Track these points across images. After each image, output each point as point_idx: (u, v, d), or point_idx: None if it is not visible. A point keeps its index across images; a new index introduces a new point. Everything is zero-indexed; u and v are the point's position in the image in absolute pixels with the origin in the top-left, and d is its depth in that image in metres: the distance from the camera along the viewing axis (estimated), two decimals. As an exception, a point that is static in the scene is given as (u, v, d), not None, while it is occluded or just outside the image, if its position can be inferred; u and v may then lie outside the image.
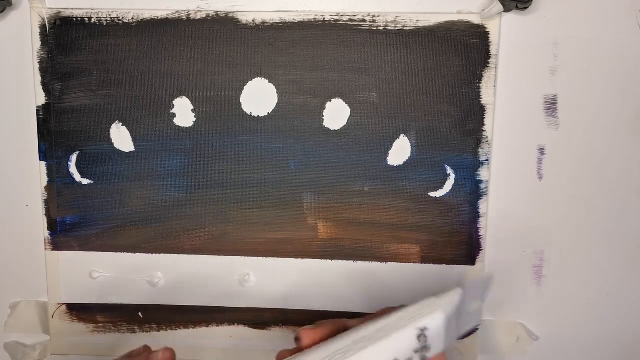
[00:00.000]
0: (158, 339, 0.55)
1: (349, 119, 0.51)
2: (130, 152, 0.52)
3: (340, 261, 0.53)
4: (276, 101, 0.51)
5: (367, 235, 0.53)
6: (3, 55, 0.52)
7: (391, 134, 0.51)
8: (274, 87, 0.51)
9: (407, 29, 0.49)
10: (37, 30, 0.51)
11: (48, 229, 0.54)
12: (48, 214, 0.53)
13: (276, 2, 0.50)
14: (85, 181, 0.53)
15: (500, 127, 0.51)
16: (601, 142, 0.51)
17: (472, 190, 0.51)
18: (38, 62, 0.51)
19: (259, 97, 0.51)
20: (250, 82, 0.51)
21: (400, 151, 0.51)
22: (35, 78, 0.51)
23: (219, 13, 0.50)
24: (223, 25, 0.50)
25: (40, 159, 0.53)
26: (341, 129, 0.51)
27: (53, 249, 0.54)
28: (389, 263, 0.53)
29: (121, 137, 0.52)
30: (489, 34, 0.49)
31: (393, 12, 0.49)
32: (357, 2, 0.50)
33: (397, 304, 0.53)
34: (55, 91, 0.52)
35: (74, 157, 0.53)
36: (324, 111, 0.51)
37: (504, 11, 0.47)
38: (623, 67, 0.50)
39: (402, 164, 0.51)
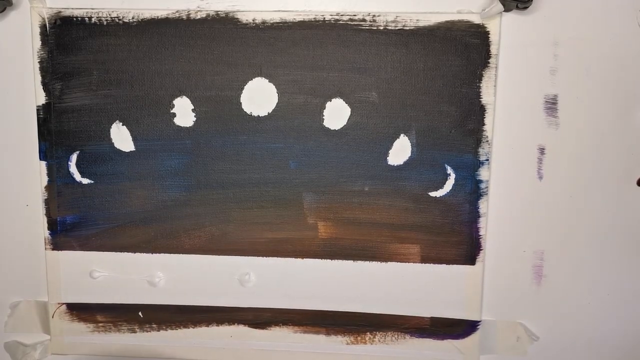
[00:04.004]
0: (158, 338, 0.55)
1: (349, 118, 0.51)
2: (131, 151, 0.52)
3: (340, 261, 0.53)
4: (276, 101, 0.51)
5: (367, 235, 0.52)
6: (3, 55, 0.52)
7: (391, 133, 0.51)
8: (274, 86, 0.51)
9: (407, 28, 0.49)
10: (38, 30, 0.51)
11: (48, 229, 0.54)
12: (48, 213, 0.53)
13: (276, 2, 0.50)
14: (86, 181, 0.53)
15: (501, 127, 0.51)
16: (601, 142, 0.51)
17: (472, 190, 0.51)
18: (38, 62, 0.51)
19: (259, 97, 0.51)
20: (250, 81, 0.51)
21: (400, 151, 0.51)
22: (35, 78, 0.51)
23: (219, 13, 0.50)
24: (223, 25, 0.50)
25: (40, 159, 0.53)
26: (341, 129, 0.51)
27: (53, 249, 0.54)
28: (389, 263, 0.53)
29: (121, 137, 0.52)
30: (489, 34, 0.49)
31: (393, 11, 0.49)
32: (357, 2, 0.50)
33: (397, 304, 0.53)
34: (56, 91, 0.52)
35: (74, 157, 0.53)
36: (324, 111, 0.51)
37: (504, 11, 0.47)
38: (623, 67, 0.50)
39: (402, 163, 0.51)
